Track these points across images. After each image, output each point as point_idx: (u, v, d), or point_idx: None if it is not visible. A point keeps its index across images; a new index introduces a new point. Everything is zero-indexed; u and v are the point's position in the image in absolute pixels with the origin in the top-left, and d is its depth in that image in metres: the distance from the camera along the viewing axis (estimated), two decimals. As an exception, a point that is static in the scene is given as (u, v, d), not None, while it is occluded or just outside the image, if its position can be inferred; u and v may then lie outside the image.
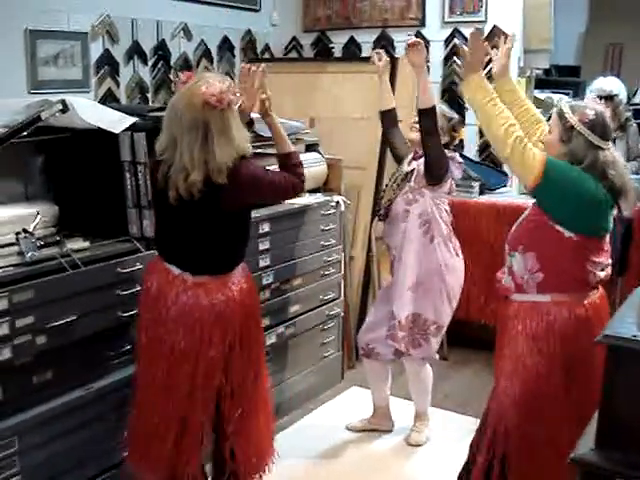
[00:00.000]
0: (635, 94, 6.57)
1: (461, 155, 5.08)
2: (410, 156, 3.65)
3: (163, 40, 5.07)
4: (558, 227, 2.56)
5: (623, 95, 4.87)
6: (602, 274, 2.65)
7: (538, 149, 2.62)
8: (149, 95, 5.06)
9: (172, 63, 5.17)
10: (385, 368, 3.80)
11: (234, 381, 2.77)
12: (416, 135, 3.56)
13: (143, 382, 2.76)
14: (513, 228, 2.73)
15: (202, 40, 5.35)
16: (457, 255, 3.60)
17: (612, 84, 4.84)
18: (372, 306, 3.95)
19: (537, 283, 2.63)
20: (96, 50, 4.68)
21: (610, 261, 2.70)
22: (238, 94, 2.60)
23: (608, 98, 4.73)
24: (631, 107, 5.99)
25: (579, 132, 2.56)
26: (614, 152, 2.63)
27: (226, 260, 2.75)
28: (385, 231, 3.69)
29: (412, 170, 3.58)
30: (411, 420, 3.83)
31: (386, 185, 3.77)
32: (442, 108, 3.74)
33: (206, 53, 5.39)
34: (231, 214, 2.65)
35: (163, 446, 2.70)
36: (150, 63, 5.04)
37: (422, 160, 3.53)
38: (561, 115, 2.61)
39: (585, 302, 2.63)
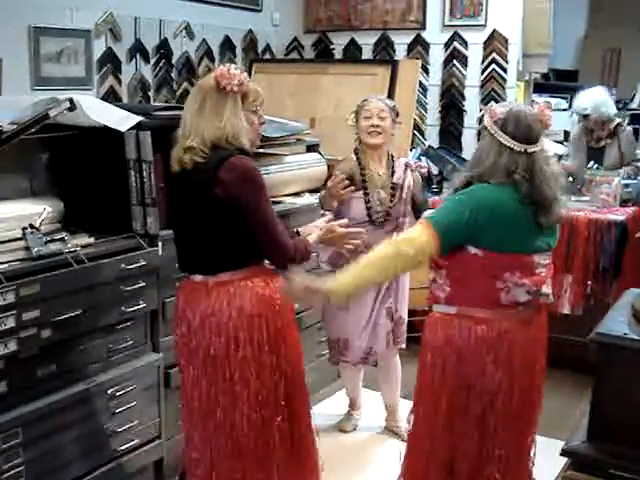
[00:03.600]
0: (633, 99, 6.63)
1: (459, 157, 5.17)
2: (383, 167, 3.61)
3: (165, 39, 5.13)
4: (465, 245, 2.39)
5: (605, 107, 4.77)
6: (524, 297, 2.39)
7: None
8: (151, 93, 5.10)
9: (174, 62, 5.22)
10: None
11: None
12: (377, 140, 3.53)
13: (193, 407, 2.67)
14: None
15: (204, 39, 5.40)
16: None
17: (586, 101, 4.78)
18: (354, 311, 3.65)
19: (446, 296, 2.47)
20: (99, 48, 4.73)
21: (548, 289, 2.46)
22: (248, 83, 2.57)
23: (585, 116, 4.77)
24: (628, 112, 6.05)
25: (488, 131, 2.40)
26: (542, 159, 2.39)
27: (238, 253, 2.58)
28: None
29: (401, 185, 3.60)
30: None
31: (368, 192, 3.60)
32: (383, 102, 3.61)
33: (208, 52, 5.45)
34: (227, 204, 2.49)
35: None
36: (152, 62, 5.09)
37: (409, 177, 3.61)
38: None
39: (495, 323, 2.40)
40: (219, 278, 2.58)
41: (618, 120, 4.90)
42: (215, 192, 2.46)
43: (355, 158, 3.60)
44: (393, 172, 3.62)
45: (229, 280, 2.58)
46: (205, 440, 2.65)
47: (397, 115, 3.61)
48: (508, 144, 2.35)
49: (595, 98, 4.77)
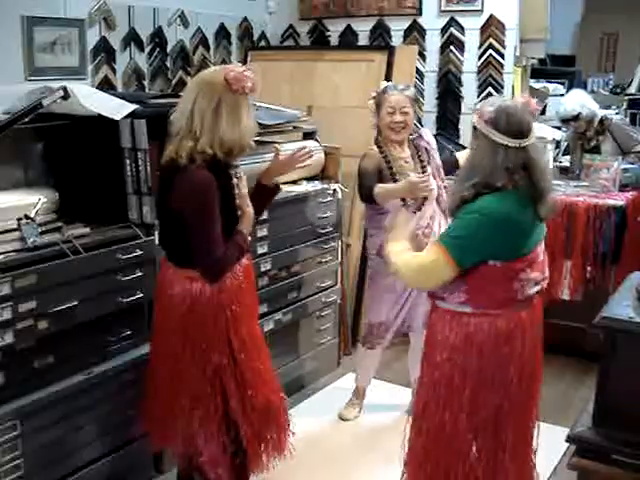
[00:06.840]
0: (630, 84, 6.59)
1: (457, 144, 5.16)
2: (406, 152, 3.60)
3: (160, 27, 5.07)
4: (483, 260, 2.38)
5: (591, 104, 4.75)
6: (534, 289, 2.44)
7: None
8: (145, 82, 5.05)
9: (169, 50, 5.17)
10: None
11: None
12: (402, 136, 3.53)
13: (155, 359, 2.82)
14: None
15: (199, 27, 5.35)
16: None
17: (573, 103, 4.73)
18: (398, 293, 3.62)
19: (460, 301, 2.44)
20: (93, 37, 4.68)
21: (547, 274, 2.50)
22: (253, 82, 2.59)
23: (573, 119, 4.74)
24: (626, 97, 6.02)
25: (481, 132, 2.34)
26: (535, 151, 2.35)
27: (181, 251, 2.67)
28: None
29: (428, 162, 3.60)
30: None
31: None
32: (404, 95, 3.57)
33: (203, 40, 5.39)
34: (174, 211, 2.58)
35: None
36: (147, 50, 5.04)
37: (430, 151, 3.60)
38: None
39: (508, 316, 2.43)
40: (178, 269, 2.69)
41: (601, 115, 4.84)
42: (168, 197, 2.56)
43: (379, 152, 3.54)
44: (419, 154, 3.59)
45: (180, 274, 2.67)
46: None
47: (417, 101, 3.63)
48: (503, 142, 2.29)
49: (579, 99, 4.74)
